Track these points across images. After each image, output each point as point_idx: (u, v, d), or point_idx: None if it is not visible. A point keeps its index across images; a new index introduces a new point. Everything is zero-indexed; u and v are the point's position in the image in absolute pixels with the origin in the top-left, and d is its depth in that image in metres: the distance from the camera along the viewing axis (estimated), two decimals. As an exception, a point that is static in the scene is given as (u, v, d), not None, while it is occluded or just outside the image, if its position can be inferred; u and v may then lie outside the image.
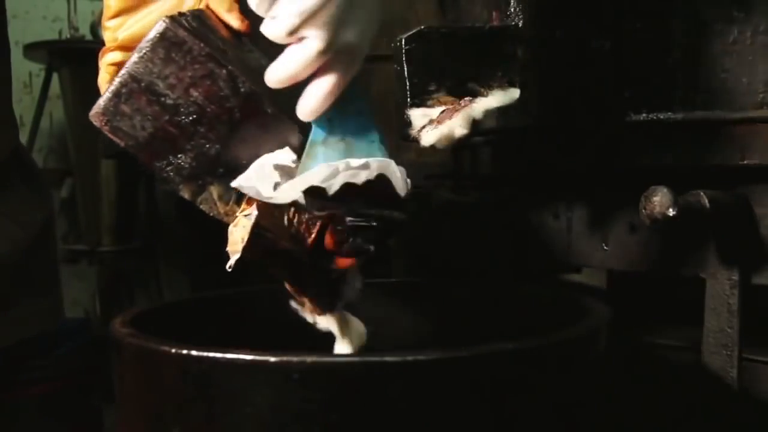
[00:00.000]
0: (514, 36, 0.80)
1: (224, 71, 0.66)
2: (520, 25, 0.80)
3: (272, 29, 0.60)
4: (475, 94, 0.87)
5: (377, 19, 0.64)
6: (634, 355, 0.92)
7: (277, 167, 0.66)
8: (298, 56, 0.61)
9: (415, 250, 1.40)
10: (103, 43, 0.73)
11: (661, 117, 0.84)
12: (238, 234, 0.66)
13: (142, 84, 0.66)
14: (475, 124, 0.79)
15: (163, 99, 0.66)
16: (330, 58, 0.62)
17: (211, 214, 0.70)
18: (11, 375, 0.99)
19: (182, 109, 0.66)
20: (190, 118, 0.66)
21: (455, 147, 1.20)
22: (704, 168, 0.81)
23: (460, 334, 0.94)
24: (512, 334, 0.89)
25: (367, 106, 0.69)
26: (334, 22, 0.59)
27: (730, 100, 0.81)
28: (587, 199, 0.95)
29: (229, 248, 0.67)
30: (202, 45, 0.66)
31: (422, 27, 0.85)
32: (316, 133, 0.67)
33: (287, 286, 0.73)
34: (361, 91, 0.69)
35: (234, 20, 0.70)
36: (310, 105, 0.64)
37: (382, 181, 0.64)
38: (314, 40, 0.60)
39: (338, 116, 0.67)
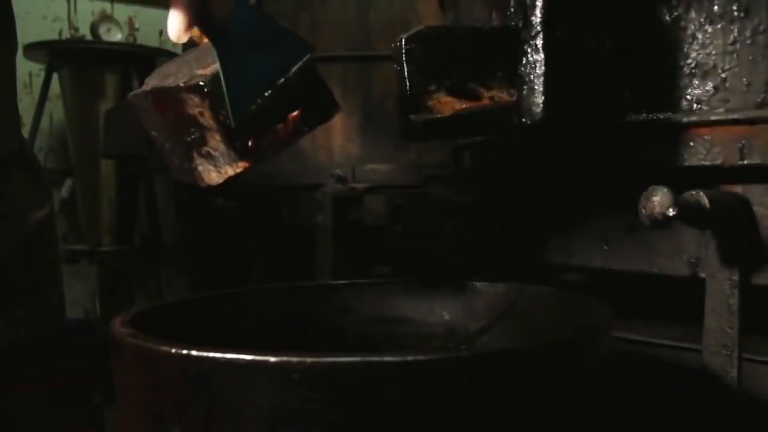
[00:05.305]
0: (514, 36, 0.80)
1: None
2: (521, 25, 0.80)
3: None
4: (475, 94, 0.86)
5: None
6: (634, 355, 0.92)
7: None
8: None
9: (415, 250, 1.40)
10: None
11: (661, 117, 0.84)
12: None
13: None
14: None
15: None
16: None
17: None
18: (12, 373, 0.98)
19: None
20: None
21: (455, 147, 1.20)
22: (704, 168, 0.81)
23: (460, 333, 0.94)
24: (512, 334, 0.90)
25: None
26: None
27: (729, 100, 0.81)
28: (587, 199, 0.95)
29: None
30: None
31: (422, 27, 0.85)
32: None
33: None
34: None
35: None
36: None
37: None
38: None
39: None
